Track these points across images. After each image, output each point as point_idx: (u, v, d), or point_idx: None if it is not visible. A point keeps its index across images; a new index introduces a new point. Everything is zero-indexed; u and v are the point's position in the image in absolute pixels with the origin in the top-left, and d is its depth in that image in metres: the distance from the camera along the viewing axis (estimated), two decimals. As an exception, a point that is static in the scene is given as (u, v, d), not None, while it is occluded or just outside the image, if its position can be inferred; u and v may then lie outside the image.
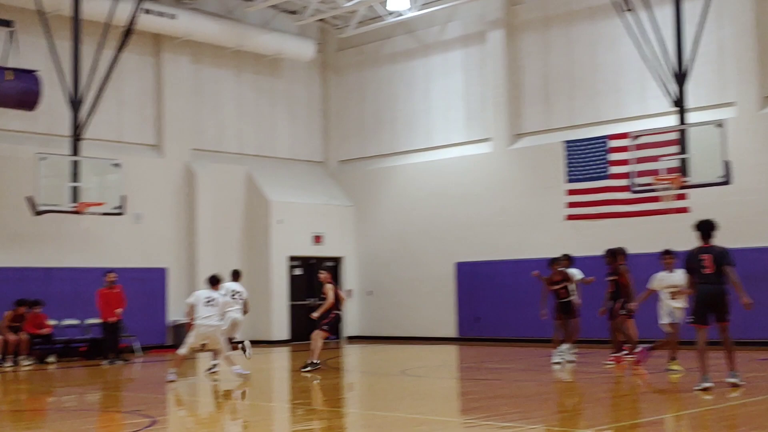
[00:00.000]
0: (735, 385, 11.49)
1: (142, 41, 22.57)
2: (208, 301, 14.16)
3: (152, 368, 17.73)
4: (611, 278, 15.44)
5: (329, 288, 15.64)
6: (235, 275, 16.57)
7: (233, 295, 15.72)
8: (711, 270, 11.47)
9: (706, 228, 11.74)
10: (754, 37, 19.22)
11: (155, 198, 22.54)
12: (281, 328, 23.75)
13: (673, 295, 13.83)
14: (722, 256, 11.50)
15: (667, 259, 14.22)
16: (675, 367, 13.85)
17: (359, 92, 26.26)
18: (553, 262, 16.18)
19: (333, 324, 15.83)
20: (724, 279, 11.48)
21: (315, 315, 15.85)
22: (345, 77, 26.59)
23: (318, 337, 15.57)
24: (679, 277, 13.48)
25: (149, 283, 21.99)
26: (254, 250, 24.01)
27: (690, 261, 11.71)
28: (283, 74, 25.83)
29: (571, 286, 16.29)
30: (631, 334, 15.05)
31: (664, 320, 14.12)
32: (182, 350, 14.36)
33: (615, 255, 15.56)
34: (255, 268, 23.70)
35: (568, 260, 17.12)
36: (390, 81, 25.57)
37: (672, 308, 14.02)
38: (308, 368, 15.45)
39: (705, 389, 11.19)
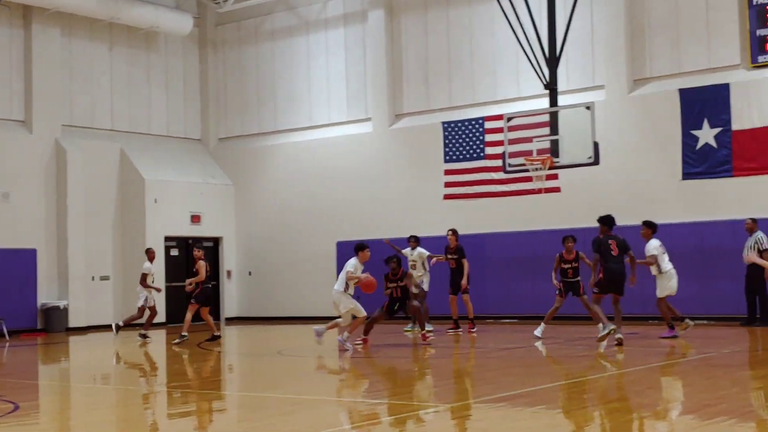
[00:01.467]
0: (620, 343, 13.65)
1: (11, 12, 21.64)
2: None
3: (20, 353, 17.15)
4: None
5: (201, 265, 16.96)
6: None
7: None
8: (616, 253, 14.09)
9: (610, 221, 14.39)
10: (623, 22, 19.84)
11: (23, 176, 21.72)
12: (158, 311, 23.27)
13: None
14: (625, 243, 14.24)
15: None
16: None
17: (239, 68, 25.89)
18: (566, 239, 15.84)
19: (203, 297, 17.01)
20: (624, 260, 14.16)
21: (188, 288, 17.10)
22: (224, 53, 26.17)
23: (189, 311, 16.95)
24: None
25: (18, 265, 21.23)
26: (129, 230, 23.44)
27: (601, 245, 14.08)
28: (159, 48, 25.23)
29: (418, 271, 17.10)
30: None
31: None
32: None
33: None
34: (129, 249, 23.17)
35: (416, 241, 17.56)
36: (271, 58, 25.31)
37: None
38: (177, 341, 16.68)
39: (610, 332, 13.62)
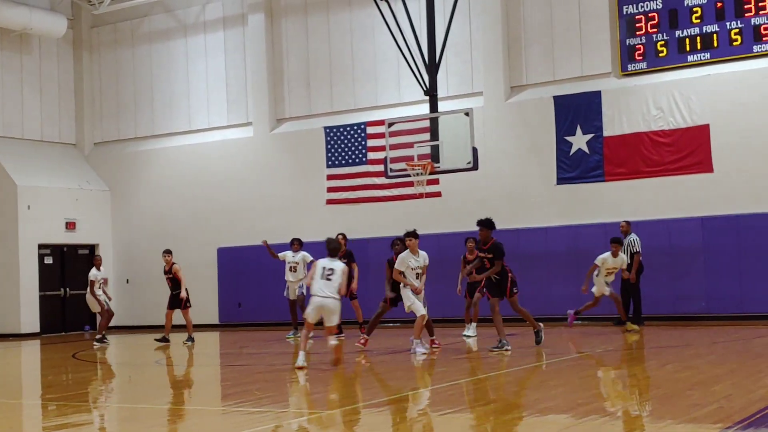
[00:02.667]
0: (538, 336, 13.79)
1: None
2: None
3: None
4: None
5: (177, 268, 18.13)
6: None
7: None
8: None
9: (493, 224, 13.89)
10: (500, 31, 20.30)
11: None
12: (31, 321, 22.51)
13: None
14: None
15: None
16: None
17: (115, 72, 25.28)
18: (468, 240, 15.86)
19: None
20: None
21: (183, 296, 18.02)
22: (100, 55, 25.51)
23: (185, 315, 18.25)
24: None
25: None
26: (1, 237, 22.56)
27: (503, 249, 13.64)
28: (32, 50, 24.39)
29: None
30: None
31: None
32: None
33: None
34: (2, 257, 22.30)
35: (299, 244, 17.64)
36: (148, 61, 24.81)
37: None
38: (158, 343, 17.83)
39: (507, 350, 13.32)
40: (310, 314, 12.38)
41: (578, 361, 12.83)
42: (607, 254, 16.37)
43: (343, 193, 21.59)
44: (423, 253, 13.65)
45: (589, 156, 19.28)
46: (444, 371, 12.25)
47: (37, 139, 24.43)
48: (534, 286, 18.41)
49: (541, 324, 14.00)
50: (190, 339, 18.10)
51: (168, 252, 18.34)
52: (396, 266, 13.57)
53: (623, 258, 16.59)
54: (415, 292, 13.48)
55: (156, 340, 18.27)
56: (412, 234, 13.58)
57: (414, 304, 13.52)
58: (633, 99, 19.00)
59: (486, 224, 13.75)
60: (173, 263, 18.14)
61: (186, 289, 18.10)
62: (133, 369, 14.95)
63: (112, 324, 24.26)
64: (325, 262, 12.41)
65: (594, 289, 16.47)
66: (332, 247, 12.68)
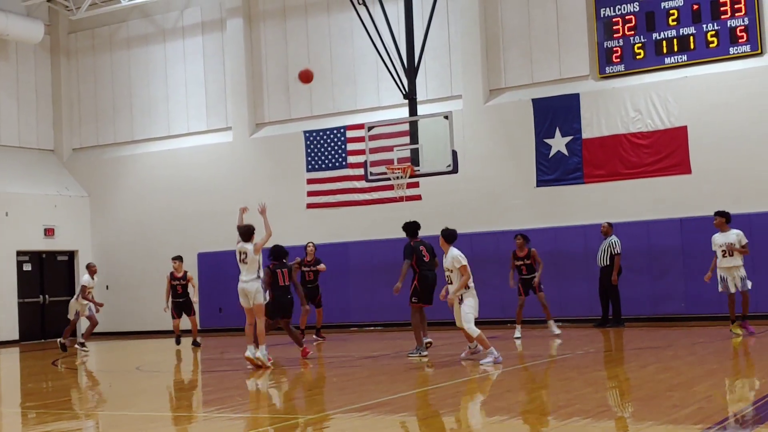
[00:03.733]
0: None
1: None
2: None
3: None
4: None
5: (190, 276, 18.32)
6: None
7: None
8: (428, 258, 13.58)
9: (415, 228, 13.82)
10: (479, 33, 20.35)
11: None
12: (10, 328, 22.34)
13: None
14: (433, 248, 13.61)
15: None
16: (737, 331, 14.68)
17: (93, 77, 25.14)
18: (517, 237, 16.19)
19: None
20: (434, 267, 13.63)
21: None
22: (78, 61, 25.37)
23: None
24: None
25: None
26: (-22, 244, 22.39)
27: (414, 251, 13.48)
28: (9, 56, 24.22)
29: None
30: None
31: None
32: None
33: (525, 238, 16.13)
34: (-21, 265, 22.14)
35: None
36: (127, 66, 24.69)
37: None
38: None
39: (423, 356, 13.21)
40: (242, 302, 13.15)
41: (559, 362, 12.86)
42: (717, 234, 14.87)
43: (323, 197, 21.57)
44: (452, 253, 12.44)
45: (568, 158, 19.36)
46: (423, 375, 12.24)
47: (14, 145, 24.25)
48: (514, 289, 18.42)
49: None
50: (196, 343, 18.18)
51: (179, 258, 18.28)
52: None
53: (733, 234, 14.71)
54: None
55: (178, 343, 18.41)
56: (443, 232, 12.76)
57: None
58: (611, 101, 19.10)
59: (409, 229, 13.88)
60: (185, 270, 18.14)
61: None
62: (114, 376, 14.85)
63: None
64: (238, 247, 13.16)
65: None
66: (242, 231, 13.19)
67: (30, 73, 24.78)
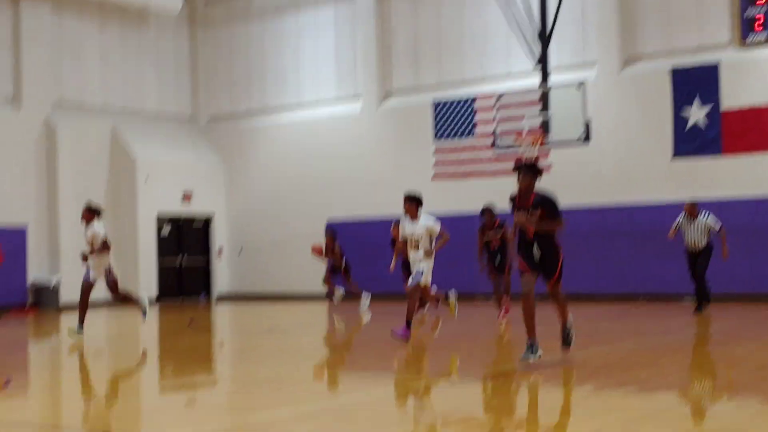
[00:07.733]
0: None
1: (-1, -11, 21.54)
2: None
3: (9, 329, 17.16)
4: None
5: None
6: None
7: None
8: None
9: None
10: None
11: (12, 153, 21.70)
12: (149, 288, 23.36)
13: None
14: None
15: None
16: None
17: (228, 48, 25.82)
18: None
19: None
20: None
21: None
22: (214, 32, 26.09)
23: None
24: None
25: (8, 242, 21.18)
26: (120, 207, 23.43)
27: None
28: (150, 28, 25.12)
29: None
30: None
31: None
32: None
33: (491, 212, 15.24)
34: (121, 226, 23.17)
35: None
36: (260, 37, 25.24)
37: None
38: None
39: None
40: None
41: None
42: None
43: (450, 167, 21.52)
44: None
45: (707, 130, 18.71)
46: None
47: (154, 113, 25.22)
48: (648, 263, 18.03)
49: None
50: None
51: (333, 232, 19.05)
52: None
53: None
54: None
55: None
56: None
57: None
58: (753, 71, 18.31)
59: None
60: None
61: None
62: (244, 337, 15.34)
63: (224, 292, 25.02)
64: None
65: None
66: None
67: (169, 43, 25.64)
